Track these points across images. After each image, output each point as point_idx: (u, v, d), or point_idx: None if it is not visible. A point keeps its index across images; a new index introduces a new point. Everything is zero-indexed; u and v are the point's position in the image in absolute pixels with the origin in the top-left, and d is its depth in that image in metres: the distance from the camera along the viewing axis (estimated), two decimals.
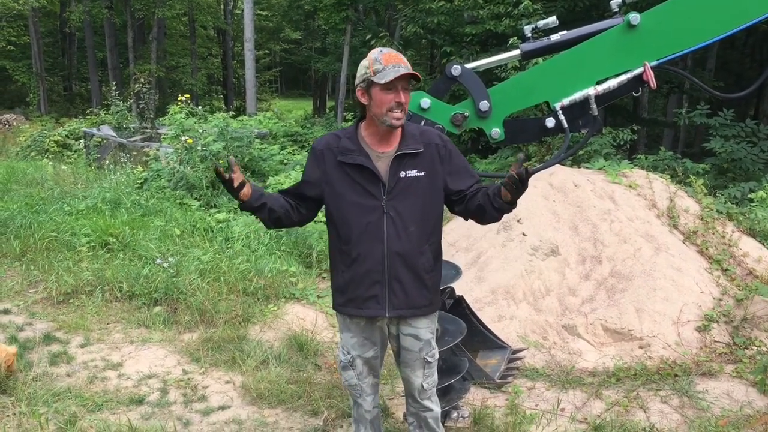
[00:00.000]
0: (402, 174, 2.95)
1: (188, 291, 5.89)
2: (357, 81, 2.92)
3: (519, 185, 2.72)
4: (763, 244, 6.57)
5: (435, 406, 3.33)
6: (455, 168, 3.06)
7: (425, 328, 3.15)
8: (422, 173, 2.98)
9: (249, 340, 5.28)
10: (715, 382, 4.69)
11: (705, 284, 5.69)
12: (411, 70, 2.83)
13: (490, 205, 2.90)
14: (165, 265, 6.25)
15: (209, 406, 4.40)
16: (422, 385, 3.22)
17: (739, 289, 5.66)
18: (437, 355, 3.26)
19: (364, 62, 2.90)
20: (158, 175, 10.05)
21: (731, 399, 4.48)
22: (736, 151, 11.77)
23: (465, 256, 6.23)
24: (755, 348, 5.09)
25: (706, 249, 6.15)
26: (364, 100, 2.92)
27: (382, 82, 2.79)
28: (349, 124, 3.14)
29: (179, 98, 10.86)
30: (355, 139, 3.00)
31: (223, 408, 4.37)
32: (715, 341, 5.18)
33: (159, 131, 13.97)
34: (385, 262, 2.97)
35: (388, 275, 2.99)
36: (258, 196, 3.00)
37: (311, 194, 3.09)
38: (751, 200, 8.71)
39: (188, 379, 4.75)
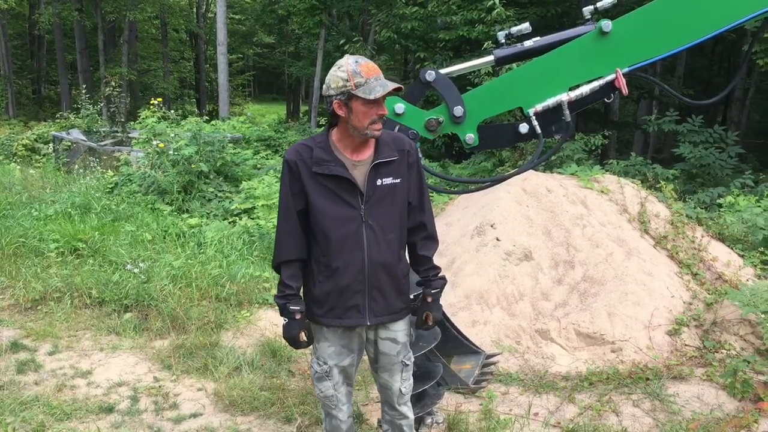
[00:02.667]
0: (379, 182, 2.92)
1: (159, 297, 5.81)
2: (332, 92, 2.82)
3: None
4: (731, 248, 6.67)
5: (410, 413, 3.33)
6: (413, 178, 3.06)
7: (402, 331, 3.15)
8: (398, 180, 2.97)
9: (221, 346, 5.22)
10: (686, 386, 4.74)
11: (675, 288, 5.76)
12: (393, 83, 2.80)
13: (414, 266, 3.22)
14: (136, 270, 6.17)
15: (181, 413, 4.34)
16: (400, 389, 3.21)
17: (709, 293, 5.74)
18: (413, 359, 3.27)
19: (339, 73, 2.80)
20: (129, 179, 9.93)
21: (702, 402, 4.53)
22: (705, 157, 11.96)
23: (438, 261, 6.16)
24: (725, 351, 5.16)
25: (677, 253, 6.22)
26: (341, 113, 2.84)
27: (371, 97, 2.74)
28: (322, 129, 3.10)
29: (151, 102, 10.75)
30: (328, 148, 2.93)
31: (194, 416, 4.32)
32: (686, 345, 5.24)
33: (130, 135, 13.81)
34: (365, 272, 2.95)
35: (369, 285, 2.97)
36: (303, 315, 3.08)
37: (302, 206, 2.97)
38: (720, 205, 8.84)
39: (159, 386, 4.68)
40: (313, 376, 3.19)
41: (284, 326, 3.05)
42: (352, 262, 2.93)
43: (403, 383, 3.22)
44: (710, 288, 5.83)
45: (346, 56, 2.89)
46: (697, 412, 4.37)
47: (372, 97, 2.75)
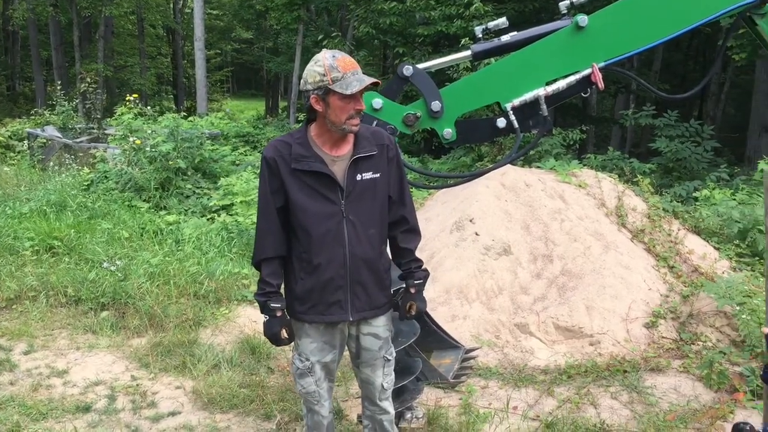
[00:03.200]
0: (359, 177, 2.91)
1: (137, 295, 5.75)
2: (309, 87, 2.80)
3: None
4: (707, 241, 6.75)
5: (391, 408, 3.33)
6: (392, 173, 3.06)
7: (384, 326, 3.14)
8: (377, 175, 2.95)
9: (200, 344, 5.19)
10: (663, 378, 4.79)
11: (652, 281, 5.81)
12: (370, 78, 2.79)
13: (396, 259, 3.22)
14: (112, 268, 6.10)
15: (159, 412, 4.30)
16: (382, 384, 3.21)
17: (685, 286, 5.80)
18: (395, 354, 3.27)
19: (316, 68, 2.78)
20: (105, 176, 9.82)
21: (678, 393, 4.58)
22: (681, 151, 12.09)
23: (418, 256, 6.23)
24: (701, 343, 5.22)
25: (653, 247, 6.28)
26: (319, 107, 2.82)
27: (347, 92, 2.72)
28: (301, 125, 3.08)
29: (127, 98, 10.63)
30: (307, 144, 2.91)
31: (173, 414, 4.28)
32: (663, 337, 5.29)
33: (106, 132, 13.65)
34: (347, 268, 2.94)
35: (351, 280, 2.96)
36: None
37: (281, 203, 2.95)
38: (696, 199, 8.94)
39: (137, 385, 4.64)
40: (295, 373, 3.17)
41: (265, 323, 3.03)
42: (334, 258, 2.92)
43: (384, 378, 3.22)
44: (686, 281, 5.89)
45: (324, 51, 2.87)
46: (674, 403, 4.42)
47: (349, 92, 2.73)
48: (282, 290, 3.09)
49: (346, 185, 2.90)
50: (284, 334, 3.01)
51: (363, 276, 2.98)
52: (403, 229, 3.14)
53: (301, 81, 2.87)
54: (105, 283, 5.92)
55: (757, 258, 6.52)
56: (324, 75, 2.75)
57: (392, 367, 3.26)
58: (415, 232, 3.19)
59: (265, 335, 3.05)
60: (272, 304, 2.98)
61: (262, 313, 3.03)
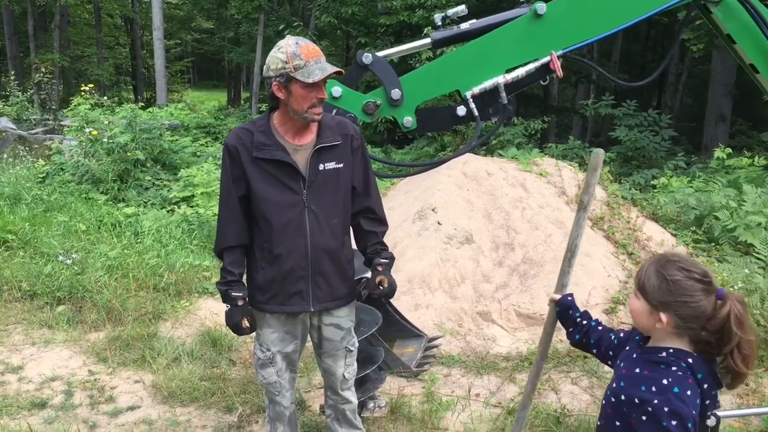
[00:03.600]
0: (321, 167, 2.88)
1: (94, 288, 5.64)
2: (272, 74, 2.76)
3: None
4: (665, 228, 6.86)
5: (353, 398, 3.32)
6: (357, 163, 3.03)
7: (346, 317, 3.13)
8: (341, 165, 2.92)
9: (160, 337, 5.11)
10: None
11: (612, 268, 5.89)
12: (333, 67, 2.75)
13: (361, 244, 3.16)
14: (68, 262, 5.97)
15: (117, 407, 4.23)
16: (344, 375, 3.19)
17: None
18: (357, 344, 3.25)
19: (278, 54, 2.74)
20: (62, 168, 9.62)
21: None
22: (640, 140, 12.29)
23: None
24: None
25: (613, 234, 6.36)
26: (281, 95, 2.78)
27: (309, 81, 2.68)
28: (265, 113, 3.03)
29: (83, 88, 10.40)
30: (269, 132, 2.87)
31: (132, 408, 4.21)
32: (622, 322, 5.37)
33: (62, 123, 13.35)
34: (309, 258, 2.91)
35: (312, 270, 2.93)
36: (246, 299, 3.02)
37: (243, 192, 2.91)
38: (654, 186, 9.10)
39: (95, 380, 4.56)
40: (256, 363, 3.14)
41: (227, 312, 2.99)
42: (295, 247, 2.88)
43: (346, 369, 3.20)
44: None
45: (288, 37, 2.83)
46: None
47: (310, 80, 2.69)
48: (245, 279, 3.05)
49: (309, 175, 2.86)
50: (245, 323, 2.97)
51: (325, 266, 2.95)
52: (368, 217, 3.11)
53: (264, 67, 2.83)
54: (61, 276, 5.79)
55: (713, 244, 6.66)
56: (286, 62, 2.71)
57: (354, 358, 3.24)
58: (381, 222, 3.16)
59: (226, 324, 3.02)
60: (233, 293, 2.95)
61: (223, 302, 3.00)
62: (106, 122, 9.56)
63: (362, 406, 3.98)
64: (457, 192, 6.54)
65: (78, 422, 4.02)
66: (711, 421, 3.25)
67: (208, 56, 47.54)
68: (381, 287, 3.02)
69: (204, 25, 39.36)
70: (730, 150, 9.70)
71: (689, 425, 1.84)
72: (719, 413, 3.34)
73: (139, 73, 33.34)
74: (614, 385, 2.05)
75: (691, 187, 8.28)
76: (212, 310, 5.59)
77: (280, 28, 18.55)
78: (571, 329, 2.50)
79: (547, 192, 6.77)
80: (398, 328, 4.90)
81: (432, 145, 12.88)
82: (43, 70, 15.15)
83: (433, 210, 6.29)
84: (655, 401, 1.87)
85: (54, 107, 14.72)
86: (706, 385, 1.94)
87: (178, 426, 4.01)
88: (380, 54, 3.67)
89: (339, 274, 3.01)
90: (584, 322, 2.47)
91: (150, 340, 5.05)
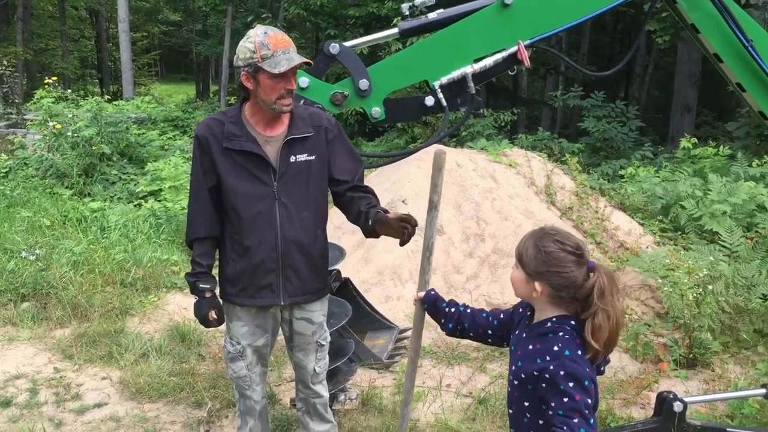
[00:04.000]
0: (292, 159, 2.83)
1: (59, 285, 5.53)
2: (240, 63, 2.72)
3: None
4: (632, 217, 6.94)
5: (324, 392, 3.28)
6: (337, 153, 2.98)
7: (318, 311, 3.09)
8: (312, 157, 2.88)
9: (127, 333, 5.03)
10: None
11: None
12: (302, 57, 2.70)
13: (366, 226, 2.90)
14: (32, 258, 5.84)
15: (84, 404, 4.15)
16: (314, 369, 3.16)
17: (612, 261, 5.95)
18: (329, 338, 3.22)
19: (247, 44, 2.70)
20: (25, 163, 9.44)
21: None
22: (608, 131, 12.41)
23: (351, 239, 6.20)
24: (627, 316, 5.36)
25: (581, 224, 6.42)
26: (249, 85, 2.75)
27: (275, 71, 2.63)
28: (236, 104, 2.98)
29: (46, 81, 10.19)
30: (240, 123, 2.83)
31: (99, 405, 4.14)
32: None
33: (26, 117, 13.07)
34: (279, 251, 2.86)
35: (283, 263, 2.89)
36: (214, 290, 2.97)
37: (213, 183, 2.87)
38: (622, 176, 9.20)
39: (60, 377, 4.47)
40: (226, 357, 3.10)
41: (195, 304, 2.97)
42: (265, 240, 2.84)
43: (317, 363, 3.17)
44: (613, 256, 6.04)
45: (258, 26, 2.78)
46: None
47: (276, 71, 2.64)
48: (216, 272, 3.03)
49: (279, 166, 2.82)
50: (213, 315, 2.94)
51: (295, 260, 2.91)
52: (359, 188, 3.03)
53: (235, 57, 2.79)
54: (25, 273, 5.66)
55: (680, 232, 6.75)
56: (254, 52, 2.67)
57: (326, 352, 3.21)
58: (373, 193, 3.07)
59: (195, 316, 2.99)
60: (201, 285, 2.92)
61: (192, 293, 2.97)
62: (70, 116, 9.38)
63: (333, 398, 3.96)
64: (427, 183, 6.51)
65: (43, 420, 3.95)
66: (678, 407, 3.31)
67: (176, 49, 46.96)
68: (403, 222, 2.81)
69: (171, 18, 38.86)
70: (695, 140, 9.84)
71: (586, 383, 1.91)
72: (686, 399, 3.39)
73: (105, 66, 32.83)
74: (513, 368, 2.12)
75: (658, 176, 8.39)
76: (181, 305, 5.52)
77: (249, 19, 18.34)
78: (442, 320, 2.54)
79: (517, 183, 6.80)
80: (369, 320, 4.89)
81: (402, 137, 12.88)
82: (5, 63, 14.77)
83: (403, 201, 6.28)
84: (551, 367, 1.94)
85: (17, 101, 14.35)
86: None
87: (147, 422, 3.95)
88: (348, 44, 3.64)
89: (310, 267, 2.97)
90: (452, 310, 2.52)
91: (117, 336, 4.98)
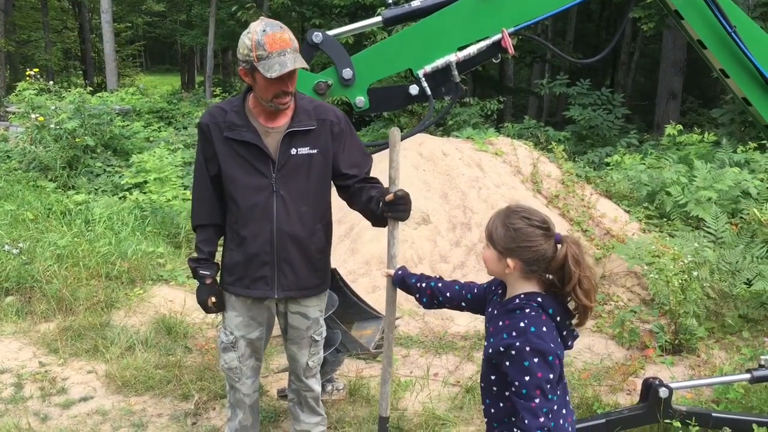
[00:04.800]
0: (293, 151, 2.81)
1: (43, 278, 5.48)
2: (240, 58, 2.69)
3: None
4: (618, 204, 6.96)
5: (317, 386, 3.28)
6: (345, 148, 2.95)
7: (314, 306, 3.08)
8: (315, 150, 2.85)
9: (113, 326, 5.00)
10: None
11: None
12: (297, 62, 2.64)
13: (374, 210, 2.87)
14: (15, 251, 5.78)
15: (69, 398, 4.13)
16: (308, 363, 3.15)
17: (598, 249, 5.97)
18: (324, 334, 3.20)
19: (245, 39, 2.65)
20: (8, 156, 9.37)
21: (592, 352, 4.72)
22: (594, 119, 12.43)
23: (338, 229, 6.18)
24: (613, 303, 5.39)
25: (568, 212, 6.43)
26: (248, 80, 2.74)
27: (268, 76, 2.60)
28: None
29: (27, 73, 10.08)
30: (242, 113, 2.82)
31: (85, 399, 4.12)
32: None
33: (8, 110, 12.95)
34: (273, 243, 2.85)
35: (278, 257, 2.87)
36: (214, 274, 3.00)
37: (216, 171, 2.88)
38: (608, 164, 9.22)
39: (45, 371, 4.44)
40: (219, 347, 3.10)
41: (196, 289, 3.04)
42: (260, 232, 2.83)
43: (311, 357, 3.16)
44: (599, 243, 6.06)
45: (260, 20, 2.72)
46: (588, 362, 4.55)
47: (269, 75, 2.60)
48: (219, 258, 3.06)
49: (279, 159, 2.80)
50: (212, 300, 2.99)
51: (291, 254, 2.89)
52: (369, 180, 3.03)
53: (237, 48, 2.74)
54: (8, 267, 5.60)
55: (665, 219, 6.77)
56: (251, 50, 2.63)
57: (320, 347, 3.20)
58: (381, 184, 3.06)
59: (196, 300, 3.04)
60: (201, 272, 2.97)
61: (193, 278, 3.02)
62: (53, 108, 9.29)
63: (320, 389, 3.95)
64: (413, 173, 6.52)
65: (29, 415, 3.92)
66: (663, 393, 3.33)
67: (161, 40, 46.54)
68: (396, 198, 2.76)
69: (155, 8, 38.44)
70: (681, 127, 9.88)
71: (550, 359, 1.99)
72: (672, 385, 3.41)
73: (89, 57, 32.49)
74: (485, 344, 2.21)
75: (644, 164, 8.41)
76: (167, 298, 5.49)
77: (233, 9, 18.24)
78: (417, 295, 2.61)
79: (503, 171, 6.80)
80: (356, 310, 4.88)
81: (389, 127, 12.81)
82: None
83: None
84: (517, 344, 2.00)
85: None
86: (558, 318, 2.09)
87: (133, 416, 3.93)
88: (331, 33, 3.61)
89: (307, 263, 2.95)
90: (423, 284, 2.58)
91: (102, 329, 4.95)
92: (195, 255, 3.01)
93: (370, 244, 5.82)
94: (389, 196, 2.74)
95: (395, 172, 2.76)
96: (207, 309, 3.02)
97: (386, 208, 2.77)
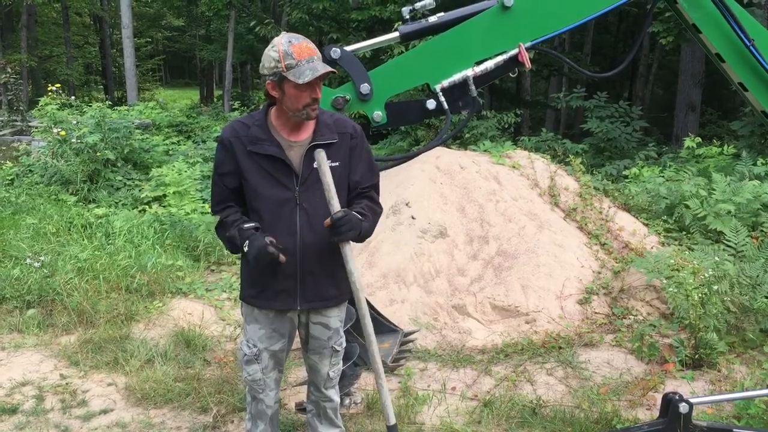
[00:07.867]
0: (316, 165, 2.83)
1: (64, 291, 5.55)
2: (266, 72, 2.74)
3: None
4: (637, 217, 6.92)
5: (336, 397, 3.29)
6: (356, 161, 2.99)
7: (335, 317, 3.11)
8: (336, 163, 2.88)
9: (132, 339, 5.05)
10: (596, 352, 4.89)
11: (585, 259, 5.93)
12: (326, 67, 2.70)
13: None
14: (36, 264, 5.86)
15: (90, 410, 4.16)
16: (328, 373, 3.17)
17: (616, 262, 5.94)
18: (345, 344, 3.23)
19: (271, 53, 2.72)
20: (30, 170, 9.47)
21: (611, 367, 4.69)
22: (611, 131, 12.37)
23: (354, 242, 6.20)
24: (632, 317, 5.35)
25: (585, 225, 6.40)
26: (275, 94, 2.78)
27: (300, 82, 2.66)
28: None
29: (49, 88, 10.23)
30: (265, 127, 2.86)
31: (105, 412, 4.15)
32: (596, 313, 5.41)
33: (30, 124, 13.13)
34: (297, 256, 2.87)
35: (301, 269, 2.90)
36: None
37: (235, 185, 2.90)
38: (626, 177, 9.16)
39: (66, 383, 4.48)
40: (242, 359, 3.10)
41: (248, 247, 2.78)
42: (284, 245, 2.84)
43: (331, 368, 3.18)
44: (617, 257, 6.03)
45: (282, 34, 2.80)
46: (608, 376, 4.52)
47: (301, 81, 2.66)
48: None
49: (302, 172, 2.84)
50: (270, 239, 2.75)
51: (313, 266, 2.92)
52: (366, 195, 3.06)
53: (260, 65, 2.80)
54: (30, 280, 5.69)
55: (684, 232, 6.72)
56: (279, 61, 2.69)
57: (340, 358, 3.22)
58: (377, 203, 3.12)
59: (252, 258, 2.78)
60: (245, 225, 2.82)
61: (238, 247, 2.81)
62: (74, 122, 9.42)
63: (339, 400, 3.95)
64: (430, 186, 6.53)
65: (50, 427, 3.96)
66: (684, 408, 3.30)
67: (180, 54, 47.08)
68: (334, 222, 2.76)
69: (175, 23, 38.96)
70: (700, 139, 9.80)
71: None
72: (692, 400, 3.38)
73: (109, 72, 32.91)
74: None
75: (662, 176, 8.36)
76: (185, 311, 5.53)
77: (251, 24, 18.38)
78: None
79: (520, 184, 6.79)
80: (373, 323, 4.87)
81: (406, 140, 12.86)
82: (9, 70, 14.84)
83: (406, 204, 6.28)
84: None
85: (22, 108, 14.41)
86: None
87: (152, 428, 3.96)
88: (348, 48, 3.64)
89: (328, 274, 2.98)
90: None
91: (122, 342, 4.99)
92: (226, 224, 2.88)
93: (387, 257, 5.83)
94: (327, 222, 2.77)
95: (329, 194, 2.75)
96: (267, 254, 2.73)
97: (331, 233, 2.79)
